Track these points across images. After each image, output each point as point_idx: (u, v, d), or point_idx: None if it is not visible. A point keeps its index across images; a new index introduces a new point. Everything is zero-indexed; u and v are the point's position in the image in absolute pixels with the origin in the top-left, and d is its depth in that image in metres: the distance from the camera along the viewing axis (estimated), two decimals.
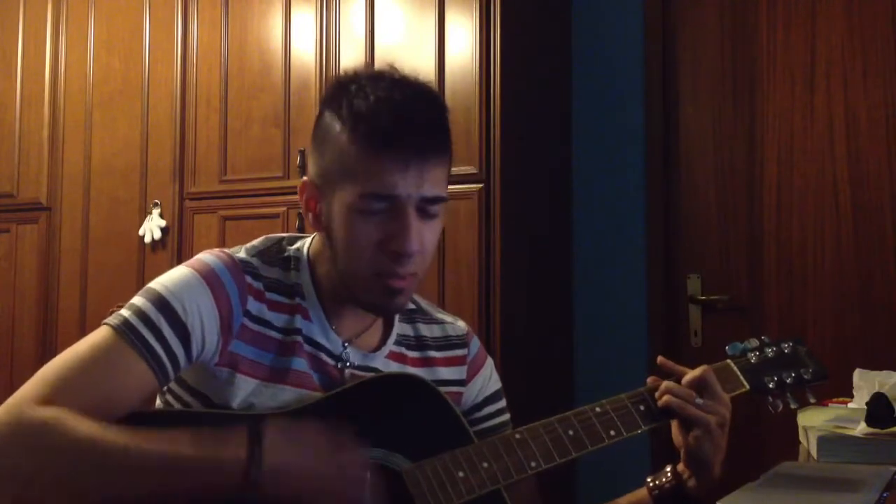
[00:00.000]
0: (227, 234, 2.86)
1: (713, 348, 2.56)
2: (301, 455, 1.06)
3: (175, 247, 2.95)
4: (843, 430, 1.44)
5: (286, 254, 1.26)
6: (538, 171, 2.84)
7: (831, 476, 1.29)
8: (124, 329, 1.09)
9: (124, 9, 3.10)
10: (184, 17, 3.00)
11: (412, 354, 1.31)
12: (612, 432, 1.22)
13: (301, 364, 1.20)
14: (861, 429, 1.41)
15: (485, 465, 1.16)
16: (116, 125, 3.09)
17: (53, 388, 1.03)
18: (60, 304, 3.11)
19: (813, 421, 1.53)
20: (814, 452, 1.43)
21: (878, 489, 1.16)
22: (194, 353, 1.13)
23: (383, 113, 1.15)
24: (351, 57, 2.73)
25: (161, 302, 1.12)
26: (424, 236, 1.17)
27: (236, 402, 1.15)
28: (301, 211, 2.67)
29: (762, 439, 2.30)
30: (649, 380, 1.30)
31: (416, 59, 2.57)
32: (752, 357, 1.36)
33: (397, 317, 1.32)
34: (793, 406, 1.35)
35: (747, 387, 1.32)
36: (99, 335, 1.10)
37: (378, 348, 1.28)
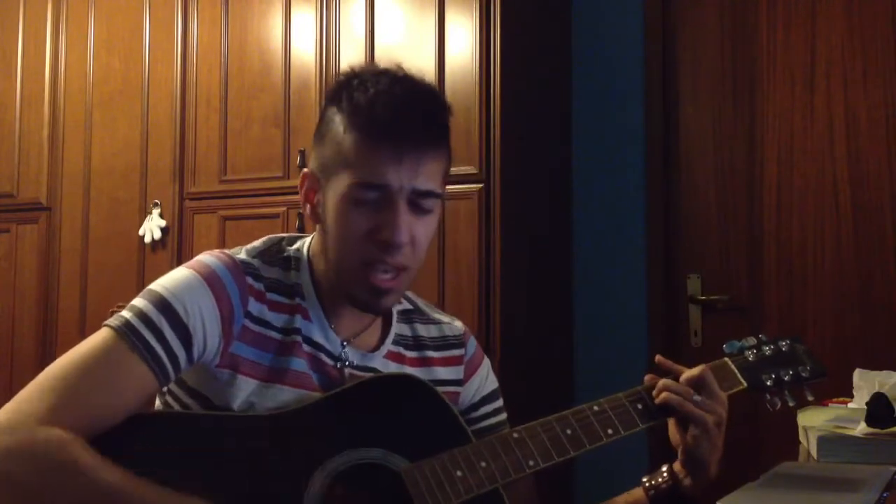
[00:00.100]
0: (227, 234, 2.86)
1: (713, 348, 2.56)
2: None
3: (175, 247, 2.95)
4: (843, 430, 1.44)
5: (286, 254, 1.26)
6: (538, 171, 2.84)
7: (831, 476, 1.29)
8: (125, 331, 1.09)
9: (124, 9, 3.10)
10: (184, 16, 3.00)
11: (410, 354, 1.31)
12: (610, 431, 1.22)
13: (300, 364, 1.20)
14: (861, 429, 1.41)
15: (483, 464, 1.16)
16: (116, 125, 3.09)
17: (56, 396, 1.04)
18: (60, 304, 3.11)
19: (813, 421, 1.53)
20: (814, 452, 1.43)
21: (878, 489, 1.15)
22: (195, 354, 1.13)
23: (381, 105, 1.16)
24: (351, 57, 2.73)
25: (162, 303, 1.12)
26: (416, 231, 1.18)
27: (237, 403, 1.15)
28: (301, 210, 2.68)
29: (761, 439, 2.30)
30: (646, 378, 1.30)
31: (416, 59, 2.57)
32: (750, 355, 1.36)
33: (395, 317, 1.32)
34: (790, 404, 1.35)
35: (745, 385, 1.32)
36: (100, 337, 1.10)
37: (376, 348, 1.28)
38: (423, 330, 1.35)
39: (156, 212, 2.98)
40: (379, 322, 1.31)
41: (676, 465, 1.29)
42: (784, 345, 1.38)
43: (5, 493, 1.00)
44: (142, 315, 1.11)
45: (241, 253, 1.23)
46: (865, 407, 1.44)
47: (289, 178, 2.77)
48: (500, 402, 1.41)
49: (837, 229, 2.74)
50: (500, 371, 2.44)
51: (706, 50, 2.95)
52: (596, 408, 1.24)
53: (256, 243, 1.27)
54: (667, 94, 2.98)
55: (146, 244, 2.99)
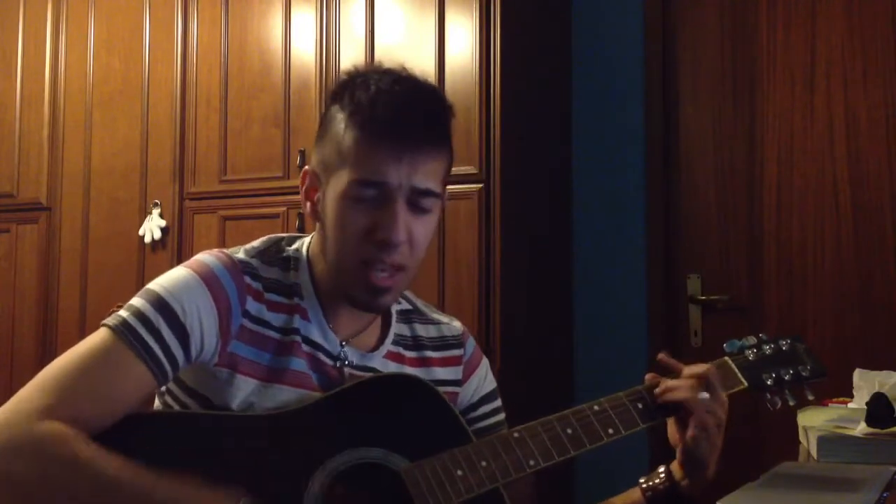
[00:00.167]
0: (227, 234, 2.86)
1: (713, 348, 2.56)
2: None
3: (175, 247, 2.95)
4: (843, 430, 1.44)
5: (285, 254, 1.26)
6: (538, 171, 2.84)
7: (831, 476, 1.29)
8: (123, 330, 1.09)
9: (124, 9, 3.10)
10: (184, 16, 3.00)
11: (409, 354, 1.31)
12: (611, 430, 1.22)
13: (300, 364, 1.20)
14: (861, 429, 1.41)
15: (483, 464, 1.16)
16: (116, 125, 3.09)
17: (54, 394, 1.04)
18: (60, 304, 3.11)
19: (813, 421, 1.53)
20: (814, 452, 1.43)
21: (878, 489, 1.15)
22: (193, 353, 1.13)
23: (382, 103, 1.16)
24: (351, 57, 2.73)
25: (160, 303, 1.12)
26: (415, 230, 1.18)
27: (236, 403, 1.15)
28: (301, 210, 2.68)
29: (761, 439, 2.30)
30: (647, 377, 1.30)
31: (416, 59, 2.57)
32: (750, 354, 1.36)
33: (394, 317, 1.32)
34: (791, 403, 1.35)
35: (745, 384, 1.32)
36: (98, 337, 1.10)
37: (376, 348, 1.28)
38: (422, 330, 1.35)
39: (156, 212, 2.98)
40: (378, 322, 1.31)
41: (674, 466, 1.29)
42: (784, 344, 1.38)
43: (6, 490, 1.00)
44: (139, 314, 1.11)
45: (240, 253, 1.23)
46: (865, 407, 1.44)
47: (289, 178, 2.77)
48: (498, 403, 1.41)
49: (837, 229, 2.74)
50: (500, 371, 2.45)
51: (706, 50, 2.95)
52: (596, 407, 1.24)
53: (255, 243, 1.27)
54: (667, 94, 2.98)
55: (146, 244, 2.99)
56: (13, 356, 3.16)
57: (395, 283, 1.19)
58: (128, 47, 3.09)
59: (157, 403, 1.23)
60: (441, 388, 1.27)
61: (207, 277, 1.16)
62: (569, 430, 1.21)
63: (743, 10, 2.90)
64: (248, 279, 1.19)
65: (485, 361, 1.42)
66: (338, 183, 1.18)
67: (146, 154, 3.03)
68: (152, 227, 2.97)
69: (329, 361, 1.23)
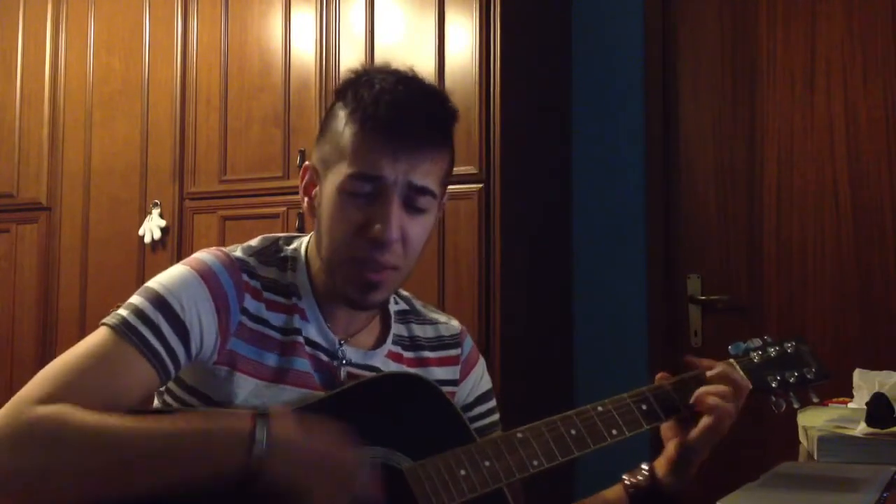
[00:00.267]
0: (227, 234, 2.86)
1: (713, 348, 2.57)
2: (304, 435, 1.04)
3: (175, 247, 2.95)
4: (843, 430, 1.44)
5: (283, 254, 1.26)
6: (538, 171, 2.84)
7: (831, 476, 1.29)
8: (123, 328, 1.09)
9: (124, 9, 3.10)
10: (184, 16, 3.00)
11: (407, 355, 1.32)
12: (615, 431, 1.22)
13: (303, 364, 1.20)
14: (861, 429, 1.41)
15: (486, 463, 1.15)
16: (116, 125, 3.09)
17: (53, 389, 1.03)
18: (60, 304, 3.11)
19: (813, 421, 1.53)
20: (814, 452, 1.43)
21: (878, 489, 1.15)
22: (193, 350, 1.13)
23: (384, 101, 1.16)
24: (351, 57, 2.73)
25: (159, 300, 1.12)
26: (409, 230, 1.18)
27: (237, 402, 1.15)
28: (301, 209, 2.68)
29: (762, 439, 2.30)
30: (658, 376, 1.31)
31: (416, 59, 2.57)
32: (755, 356, 1.36)
33: (393, 317, 1.32)
34: (795, 405, 1.35)
35: (750, 386, 1.32)
36: (98, 336, 1.10)
37: (376, 347, 1.28)
38: (420, 330, 1.35)
39: (156, 212, 2.98)
40: (377, 322, 1.31)
41: (658, 463, 1.30)
42: (789, 346, 1.38)
43: (15, 481, 0.98)
44: (139, 312, 1.11)
45: (238, 251, 1.23)
46: (865, 407, 1.43)
47: (289, 178, 2.77)
48: (493, 403, 1.41)
49: (837, 229, 2.75)
50: (500, 371, 2.45)
51: (706, 50, 2.96)
52: (600, 408, 1.24)
53: (253, 242, 1.27)
54: (667, 94, 2.98)
55: (146, 244, 2.99)
56: (13, 356, 3.16)
57: (386, 279, 1.19)
58: (128, 47, 3.09)
59: (156, 402, 1.23)
60: None
61: (205, 275, 1.16)
62: (573, 431, 1.21)
63: (743, 10, 2.90)
64: (245, 277, 1.19)
65: (481, 361, 1.42)
66: (335, 177, 1.18)
67: (146, 154, 3.03)
68: (152, 227, 2.97)
69: (330, 361, 1.23)
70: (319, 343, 1.23)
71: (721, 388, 1.26)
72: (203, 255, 1.20)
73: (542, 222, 2.87)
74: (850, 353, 2.60)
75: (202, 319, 1.13)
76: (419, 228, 1.19)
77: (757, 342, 1.38)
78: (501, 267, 2.50)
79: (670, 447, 1.29)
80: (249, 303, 1.19)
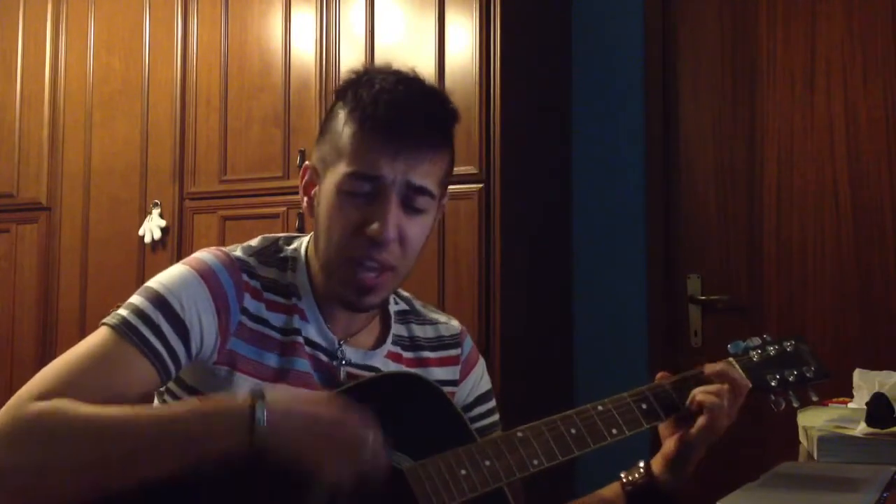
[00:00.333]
0: (227, 234, 2.86)
1: (713, 348, 2.57)
2: (304, 410, 1.03)
3: (175, 247, 2.95)
4: (843, 430, 1.44)
5: (283, 254, 1.26)
6: (538, 171, 2.84)
7: (831, 476, 1.29)
8: (123, 328, 1.09)
9: (124, 9, 3.10)
10: (184, 16, 3.01)
11: (407, 355, 1.32)
12: (615, 430, 1.23)
13: (303, 365, 1.20)
14: (861, 429, 1.41)
15: (487, 463, 1.15)
16: (116, 125, 3.09)
17: (52, 387, 1.03)
18: (60, 304, 3.11)
19: (813, 421, 1.53)
20: (814, 452, 1.43)
21: (878, 489, 1.15)
22: (193, 349, 1.13)
23: (384, 101, 1.16)
24: (351, 57, 2.73)
25: (159, 300, 1.12)
26: (407, 230, 1.18)
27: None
28: (301, 209, 2.68)
29: (762, 439, 2.30)
30: (659, 375, 1.31)
31: (416, 59, 2.57)
32: (755, 355, 1.36)
33: (393, 317, 1.32)
34: (795, 405, 1.35)
35: (750, 385, 1.32)
36: (98, 335, 1.10)
37: (376, 347, 1.28)
38: (419, 331, 1.35)
39: (156, 212, 2.98)
40: (377, 322, 1.31)
41: (656, 461, 1.30)
42: (788, 345, 1.38)
43: (14, 477, 0.98)
44: (139, 312, 1.11)
45: (238, 251, 1.23)
46: (865, 407, 1.43)
47: (289, 178, 2.77)
48: (493, 403, 1.41)
49: (837, 229, 2.75)
50: (500, 371, 2.45)
51: (706, 50, 2.96)
52: (600, 407, 1.24)
53: (253, 242, 1.27)
54: (667, 94, 2.98)
55: (146, 244, 2.99)
56: (13, 356, 3.15)
57: (382, 282, 1.19)
58: (128, 47, 3.09)
59: (156, 403, 1.23)
60: None
61: (205, 274, 1.16)
62: (573, 430, 1.21)
63: (743, 11, 2.90)
64: (245, 277, 1.19)
65: (481, 361, 1.42)
66: (333, 176, 1.18)
67: (146, 154, 3.03)
68: (152, 227, 2.97)
69: (329, 361, 1.23)
70: (319, 343, 1.23)
71: (717, 386, 1.26)
72: (203, 254, 1.20)
73: (542, 222, 2.87)
74: (850, 353, 2.60)
75: (202, 319, 1.13)
76: (417, 229, 1.19)
77: (756, 341, 1.38)
78: (501, 267, 2.50)
79: (668, 445, 1.29)
80: (249, 303, 1.19)
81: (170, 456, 0.98)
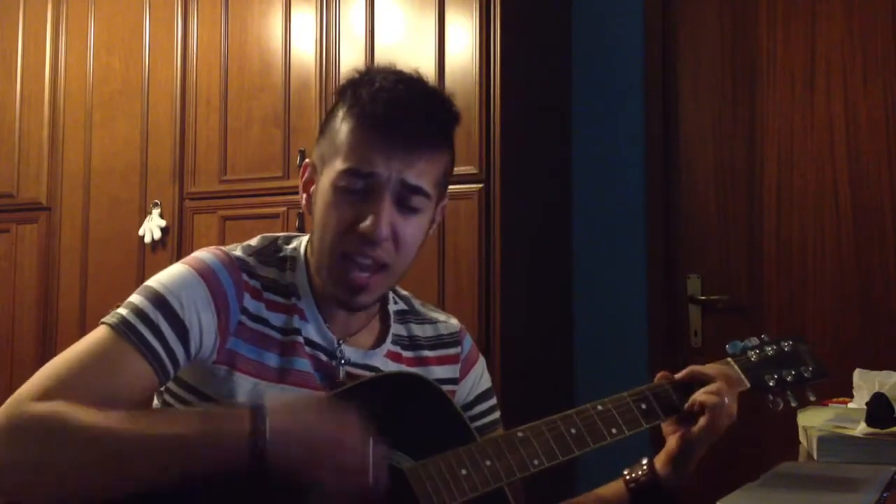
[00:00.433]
0: (227, 234, 2.86)
1: (713, 348, 2.57)
2: (303, 418, 1.03)
3: (175, 247, 2.95)
4: (843, 430, 1.44)
5: (282, 253, 1.26)
6: (538, 171, 2.84)
7: (831, 476, 1.29)
8: (122, 327, 1.09)
9: (124, 9, 3.10)
10: (184, 16, 3.00)
11: (406, 354, 1.32)
12: (614, 430, 1.23)
13: (304, 364, 1.20)
14: (861, 429, 1.41)
15: (487, 462, 1.16)
16: (116, 125, 3.09)
17: (52, 386, 1.03)
18: (60, 304, 3.11)
19: (813, 421, 1.53)
20: (814, 452, 1.43)
21: (878, 489, 1.15)
22: (193, 350, 1.13)
23: (382, 99, 1.16)
24: (351, 57, 2.73)
25: (158, 299, 1.12)
26: (401, 229, 1.18)
27: (237, 402, 1.15)
28: (301, 210, 2.68)
29: (762, 439, 2.30)
30: (659, 375, 1.31)
31: (416, 59, 2.57)
32: (753, 355, 1.36)
33: (392, 317, 1.32)
34: (793, 404, 1.35)
35: (748, 385, 1.33)
36: (97, 334, 1.10)
37: (375, 346, 1.28)
38: (419, 330, 1.35)
39: (156, 212, 2.98)
40: (376, 322, 1.31)
41: (659, 459, 1.31)
42: (786, 345, 1.38)
43: (12, 474, 0.98)
44: (138, 311, 1.11)
45: (237, 250, 1.23)
46: (865, 407, 1.43)
47: (289, 178, 2.77)
48: (493, 401, 1.41)
49: (837, 229, 2.75)
50: (500, 371, 2.45)
51: (706, 50, 2.95)
52: (600, 407, 1.24)
53: (252, 242, 1.27)
54: (667, 94, 2.98)
55: (146, 244, 2.99)
56: (13, 356, 3.15)
57: (374, 282, 1.19)
58: (128, 47, 3.09)
59: (156, 402, 1.23)
60: None
61: (205, 274, 1.16)
62: (573, 430, 1.21)
63: (743, 11, 2.90)
64: (245, 276, 1.19)
65: (481, 360, 1.42)
66: (330, 173, 1.18)
67: (146, 154, 3.03)
68: (152, 227, 2.97)
69: (329, 361, 1.23)
70: (318, 343, 1.23)
71: (714, 385, 1.26)
72: (203, 254, 1.20)
73: (542, 222, 2.87)
74: (850, 353, 2.60)
75: (201, 319, 1.13)
76: (411, 229, 1.19)
77: (754, 341, 1.39)
78: (501, 267, 2.50)
79: (671, 442, 1.29)
80: (249, 302, 1.19)
81: (166, 468, 0.99)
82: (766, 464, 1.34)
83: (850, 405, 1.66)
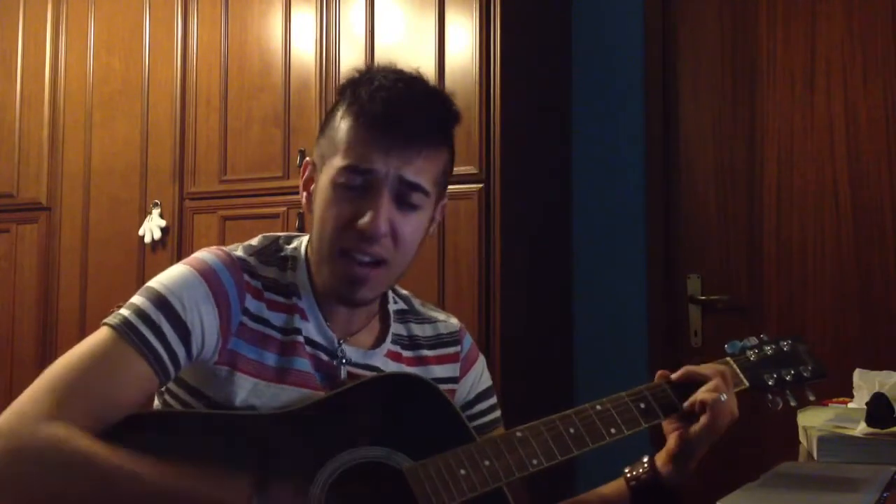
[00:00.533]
0: (227, 234, 2.86)
1: (713, 348, 2.57)
2: None
3: (175, 247, 2.95)
4: (843, 430, 1.44)
5: (283, 253, 1.26)
6: (538, 171, 2.84)
7: (831, 476, 1.29)
8: (124, 329, 1.09)
9: (124, 9, 3.10)
10: (184, 16, 3.01)
11: (406, 354, 1.32)
12: (613, 430, 1.23)
13: (304, 364, 1.20)
14: (861, 429, 1.40)
15: (486, 462, 1.16)
16: (116, 125, 3.09)
17: (56, 396, 1.03)
18: (60, 304, 3.11)
19: (813, 421, 1.53)
20: (814, 452, 1.43)
21: (878, 489, 1.15)
22: (194, 351, 1.13)
23: (380, 97, 1.17)
24: (351, 57, 2.73)
25: (160, 300, 1.12)
26: (400, 226, 1.18)
27: (237, 402, 1.15)
28: (301, 210, 2.68)
29: (762, 439, 2.30)
30: (658, 374, 1.31)
31: (416, 59, 2.55)
32: (752, 355, 1.36)
33: (392, 316, 1.32)
34: (792, 404, 1.35)
35: (747, 384, 1.33)
36: (99, 336, 1.10)
37: (375, 346, 1.28)
38: (418, 329, 1.35)
39: (156, 212, 2.98)
40: (377, 321, 1.31)
41: (660, 457, 1.30)
42: (785, 344, 1.38)
43: (12, 493, 0.99)
44: (140, 313, 1.11)
45: (238, 250, 1.23)
46: (865, 407, 1.43)
47: (289, 178, 2.77)
48: (494, 400, 1.41)
49: (837, 229, 2.75)
50: (500, 371, 2.45)
51: (706, 50, 2.95)
52: (599, 407, 1.24)
53: (253, 241, 1.27)
54: (667, 94, 2.98)
55: (146, 244, 2.99)
56: (13, 356, 3.16)
57: (374, 275, 1.19)
58: (128, 47, 3.09)
59: (156, 402, 1.23)
60: (439, 387, 1.27)
61: (207, 274, 1.16)
62: (571, 430, 1.21)
63: (743, 11, 2.90)
64: (247, 277, 1.19)
65: (481, 358, 1.42)
66: (329, 170, 1.19)
67: (146, 154, 3.03)
68: (152, 227, 2.97)
69: (330, 360, 1.23)
70: (319, 342, 1.23)
71: (713, 383, 1.26)
72: (204, 254, 1.20)
73: (542, 222, 2.87)
74: (850, 353, 2.60)
75: (203, 319, 1.13)
76: (410, 227, 1.19)
77: (753, 341, 1.39)
78: (501, 267, 2.50)
79: (671, 441, 1.29)
80: (251, 303, 1.19)
81: None
82: (766, 464, 1.34)
83: (850, 405, 1.66)
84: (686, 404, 1.27)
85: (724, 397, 1.24)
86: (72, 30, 3.19)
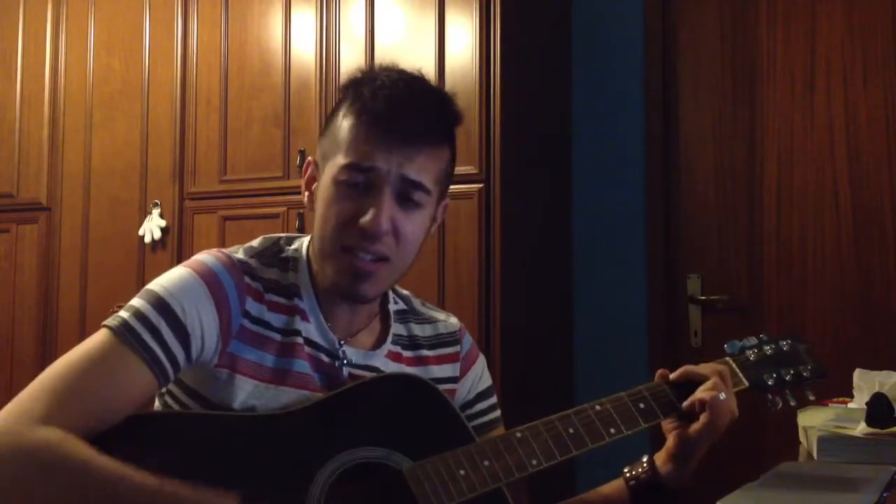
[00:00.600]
0: (227, 234, 2.86)
1: (713, 348, 2.57)
2: None
3: (175, 247, 2.95)
4: (843, 430, 1.44)
5: (284, 254, 1.26)
6: (538, 171, 2.84)
7: (831, 476, 1.29)
8: (123, 331, 1.09)
9: (124, 9, 3.10)
10: (184, 17, 3.01)
11: (407, 354, 1.32)
12: (613, 430, 1.23)
13: (303, 366, 1.20)
14: (861, 429, 1.40)
15: (486, 463, 1.16)
16: (116, 125, 3.09)
17: (53, 398, 1.03)
18: (60, 304, 3.11)
19: (813, 421, 1.53)
20: (814, 452, 1.43)
21: (878, 489, 1.15)
22: (194, 354, 1.13)
23: (382, 95, 1.17)
24: (351, 57, 2.73)
25: (160, 303, 1.12)
26: (402, 224, 1.18)
27: (236, 404, 1.15)
28: (301, 210, 2.68)
29: (762, 439, 2.30)
30: (658, 373, 1.31)
31: (416, 59, 2.57)
32: (751, 355, 1.36)
33: (393, 317, 1.32)
34: (792, 403, 1.35)
35: (746, 384, 1.33)
36: (98, 338, 1.10)
37: (375, 347, 1.28)
38: (418, 329, 1.35)
39: (156, 212, 2.98)
40: (377, 322, 1.31)
41: (659, 456, 1.30)
42: (785, 344, 1.38)
43: (6, 495, 1.00)
44: (140, 315, 1.11)
45: (239, 252, 1.23)
46: (865, 407, 1.43)
47: (289, 178, 2.77)
48: (494, 400, 1.41)
49: (837, 229, 2.75)
50: (500, 371, 2.45)
51: (706, 50, 2.95)
52: (598, 407, 1.24)
53: (254, 243, 1.27)
54: (667, 94, 2.98)
55: (146, 244, 2.99)
56: (13, 356, 3.16)
57: (377, 270, 1.19)
58: (128, 47, 3.09)
59: (156, 404, 1.23)
60: (439, 386, 1.27)
61: (207, 277, 1.16)
62: (571, 430, 1.21)
63: (743, 11, 2.90)
64: (247, 279, 1.19)
65: (481, 358, 1.42)
66: (331, 169, 1.19)
67: (146, 154, 3.03)
68: (152, 227, 2.97)
69: (330, 361, 1.23)
70: (319, 343, 1.23)
71: (712, 382, 1.26)
72: (204, 256, 1.20)
73: (542, 222, 2.87)
74: (850, 353, 2.60)
75: (203, 322, 1.13)
76: (412, 225, 1.20)
77: (753, 340, 1.39)
78: (501, 267, 2.50)
79: (671, 440, 1.29)
80: (251, 305, 1.19)
81: None
82: (766, 464, 1.34)
83: (850, 405, 1.66)
84: (685, 404, 1.27)
85: (722, 396, 1.24)
86: (72, 30, 3.19)
